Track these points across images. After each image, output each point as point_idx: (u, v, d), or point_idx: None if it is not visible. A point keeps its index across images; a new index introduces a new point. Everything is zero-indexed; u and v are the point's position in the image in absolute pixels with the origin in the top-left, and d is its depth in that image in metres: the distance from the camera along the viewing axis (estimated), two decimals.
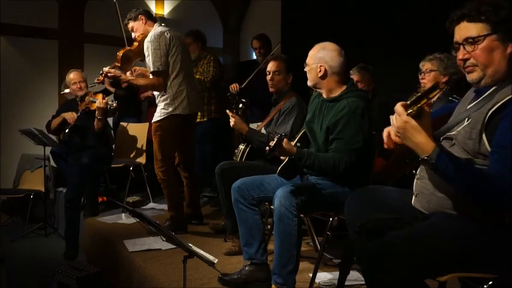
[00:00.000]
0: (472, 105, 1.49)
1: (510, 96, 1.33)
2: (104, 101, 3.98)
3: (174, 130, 3.35)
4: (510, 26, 1.37)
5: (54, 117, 4.32)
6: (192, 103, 3.42)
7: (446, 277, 1.41)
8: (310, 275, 2.35)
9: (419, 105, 1.28)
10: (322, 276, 2.52)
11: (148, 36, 3.28)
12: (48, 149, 4.50)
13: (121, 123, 5.07)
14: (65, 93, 4.70)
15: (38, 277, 3.38)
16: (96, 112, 4.00)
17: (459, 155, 1.41)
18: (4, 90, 5.08)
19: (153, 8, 6.12)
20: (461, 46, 1.44)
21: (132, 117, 5.20)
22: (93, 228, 3.85)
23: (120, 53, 3.40)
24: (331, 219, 2.34)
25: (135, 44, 3.45)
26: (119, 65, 3.37)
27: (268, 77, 3.08)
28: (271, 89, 3.11)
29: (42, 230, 4.44)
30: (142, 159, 4.77)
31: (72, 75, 4.26)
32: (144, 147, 4.82)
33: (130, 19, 3.42)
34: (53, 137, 4.61)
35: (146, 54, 3.28)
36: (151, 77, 3.32)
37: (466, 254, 1.36)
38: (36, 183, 4.83)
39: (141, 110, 5.54)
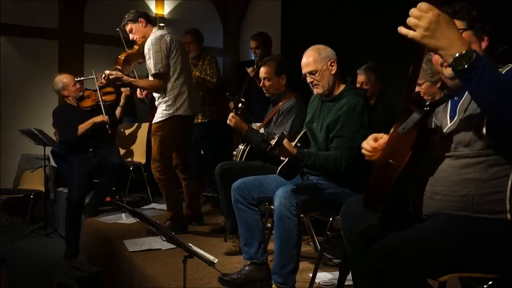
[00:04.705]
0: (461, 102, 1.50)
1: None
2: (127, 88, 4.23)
3: (175, 131, 3.36)
4: (482, 24, 1.48)
5: (60, 126, 4.16)
6: (193, 104, 3.45)
7: (446, 277, 1.41)
8: (310, 275, 2.35)
9: None
10: (322, 276, 2.52)
11: (149, 40, 3.31)
12: (48, 149, 4.50)
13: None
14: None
15: (38, 277, 3.38)
16: (122, 101, 4.36)
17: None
18: (4, 90, 5.08)
19: (153, 8, 6.12)
20: None
21: (133, 117, 5.20)
22: (93, 228, 3.85)
23: (121, 56, 3.44)
24: (331, 219, 2.34)
25: (136, 47, 3.48)
26: (120, 67, 3.41)
27: (261, 84, 3.09)
28: (266, 94, 3.11)
29: (42, 230, 4.45)
30: (142, 159, 4.77)
31: (67, 79, 4.15)
32: (144, 147, 4.82)
33: (130, 20, 3.40)
34: (54, 137, 4.61)
35: (147, 57, 3.30)
36: (151, 79, 3.33)
37: (466, 254, 1.36)
38: (36, 183, 4.84)
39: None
